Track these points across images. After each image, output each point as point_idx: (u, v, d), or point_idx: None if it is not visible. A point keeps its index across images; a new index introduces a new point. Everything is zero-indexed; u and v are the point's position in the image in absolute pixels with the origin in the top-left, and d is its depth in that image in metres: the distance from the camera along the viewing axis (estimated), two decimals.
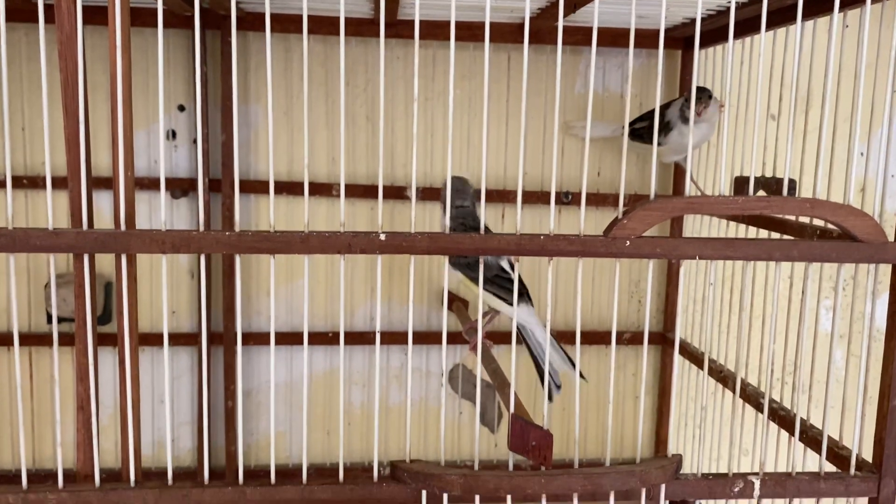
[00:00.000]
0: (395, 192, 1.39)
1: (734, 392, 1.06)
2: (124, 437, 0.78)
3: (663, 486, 0.80)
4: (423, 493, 0.78)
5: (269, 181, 0.74)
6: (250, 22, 1.31)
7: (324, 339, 1.41)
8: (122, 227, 0.74)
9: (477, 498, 0.78)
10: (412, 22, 1.32)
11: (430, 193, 1.39)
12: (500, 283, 1.03)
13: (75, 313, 0.76)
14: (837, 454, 0.90)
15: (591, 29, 1.35)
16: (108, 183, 1.30)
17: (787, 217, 1.07)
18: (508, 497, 0.78)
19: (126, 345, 0.76)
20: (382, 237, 0.76)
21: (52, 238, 0.73)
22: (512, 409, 0.82)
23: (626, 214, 0.76)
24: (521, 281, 1.06)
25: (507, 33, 1.35)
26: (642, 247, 0.77)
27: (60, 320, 1.32)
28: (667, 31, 1.38)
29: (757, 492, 0.83)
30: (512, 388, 0.84)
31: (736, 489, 0.83)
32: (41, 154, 1.34)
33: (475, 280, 1.01)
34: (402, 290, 1.43)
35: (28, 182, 1.33)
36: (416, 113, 0.73)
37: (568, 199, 1.42)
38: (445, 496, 0.78)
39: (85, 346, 0.76)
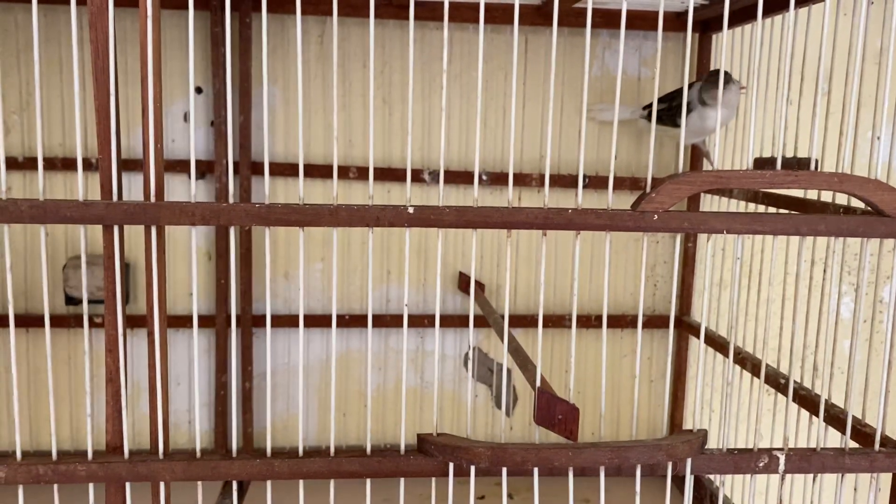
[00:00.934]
0: (413, 175, 1.39)
1: (759, 375, 1.06)
2: (153, 409, 0.78)
3: (689, 461, 0.81)
4: (451, 465, 0.79)
5: (299, 162, 0.74)
6: (268, 3, 1.30)
7: (339, 321, 1.41)
8: (152, 200, 0.75)
9: (504, 470, 0.78)
10: (428, 4, 1.32)
11: (451, 176, 1.39)
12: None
13: (104, 285, 0.76)
14: (860, 431, 0.91)
15: (606, 11, 1.34)
16: (129, 165, 1.30)
17: (809, 197, 1.07)
18: (535, 469, 0.78)
19: (156, 319, 0.76)
20: (411, 210, 0.76)
21: (83, 209, 0.73)
22: (538, 384, 0.82)
23: (655, 188, 0.76)
24: None
25: (523, 15, 1.35)
26: (670, 221, 0.77)
27: (77, 302, 1.33)
28: (683, 14, 1.38)
29: (782, 467, 0.83)
30: (539, 364, 0.84)
31: (761, 464, 0.83)
32: (56, 135, 1.34)
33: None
34: (415, 274, 1.43)
35: (25, 162, 1.33)
36: (444, 99, 0.73)
37: (585, 182, 1.42)
38: (473, 468, 0.78)
39: (114, 318, 0.76)
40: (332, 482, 0.79)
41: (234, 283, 0.75)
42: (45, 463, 0.77)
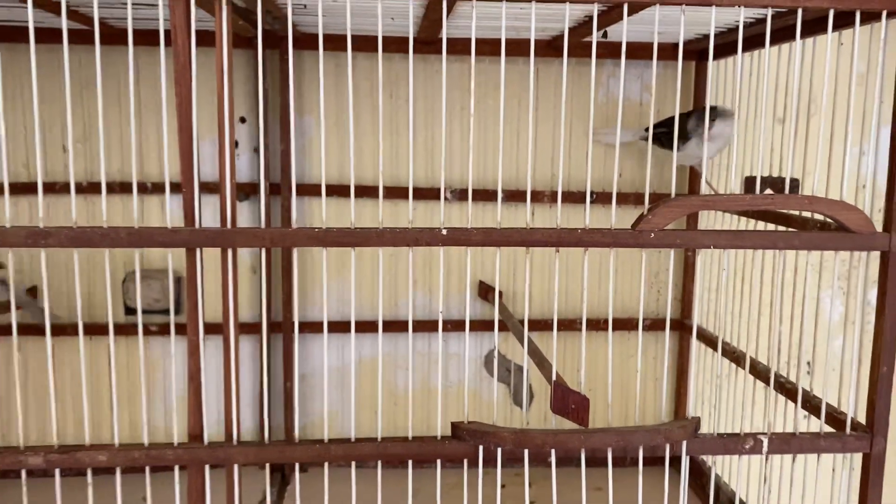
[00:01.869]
0: (435, 194, 1.53)
1: (745, 368, 1.20)
2: (227, 404, 0.92)
3: (685, 443, 0.94)
4: (480, 448, 0.92)
5: (350, 185, 0.88)
6: (304, 41, 1.45)
7: (371, 327, 1.55)
8: (228, 226, 0.89)
9: (526, 452, 0.92)
10: (449, 40, 1.46)
11: (464, 195, 1.53)
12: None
13: (187, 298, 0.90)
14: (836, 418, 1.04)
15: (610, 43, 1.48)
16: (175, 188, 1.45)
17: (792, 213, 1.20)
18: (553, 451, 0.92)
19: (231, 327, 0.91)
20: (444, 232, 0.90)
21: (172, 235, 0.87)
22: (554, 378, 0.96)
23: (651, 211, 0.90)
24: None
25: (535, 48, 1.49)
26: (665, 238, 0.91)
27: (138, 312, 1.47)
28: (687, 43, 1.51)
29: (765, 448, 0.96)
30: (554, 362, 0.98)
31: (747, 446, 0.96)
32: (115, 162, 1.49)
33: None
34: (437, 284, 1.57)
35: (88, 187, 1.48)
36: (472, 125, 0.87)
37: (593, 198, 1.56)
38: (499, 450, 0.92)
39: (196, 325, 0.90)
40: (378, 463, 0.93)
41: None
42: (140, 448, 0.91)
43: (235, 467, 0.92)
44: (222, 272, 0.90)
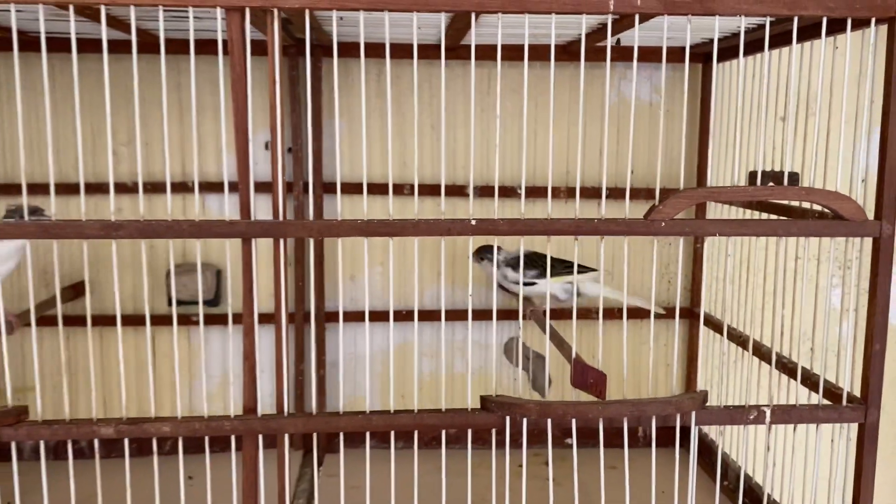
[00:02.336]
0: (457, 191, 1.63)
1: (748, 349, 1.28)
2: (279, 381, 1.02)
3: (694, 413, 1.03)
4: (507, 418, 1.02)
5: (389, 182, 0.98)
6: (340, 49, 1.55)
7: (398, 316, 1.64)
8: (280, 218, 0.99)
9: (549, 421, 1.01)
10: (466, 46, 1.55)
11: (487, 191, 1.62)
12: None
13: (243, 283, 1.00)
14: (833, 393, 1.12)
15: (622, 48, 1.57)
16: (213, 188, 1.55)
17: (793, 205, 1.29)
18: (573, 420, 1.01)
19: (283, 313, 1.00)
20: (473, 222, 1.00)
21: (229, 227, 0.97)
22: (574, 355, 1.05)
23: (662, 202, 0.99)
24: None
25: (556, 52, 1.59)
26: (675, 227, 1.00)
27: (180, 303, 1.58)
28: (695, 47, 1.60)
29: (768, 419, 1.05)
30: (574, 342, 1.07)
31: (751, 416, 1.05)
32: (157, 163, 1.59)
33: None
34: (462, 275, 1.67)
35: (133, 186, 1.58)
36: (498, 126, 0.97)
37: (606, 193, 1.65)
38: (525, 420, 1.01)
39: (251, 308, 1.00)
40: (416, 433, 1.03)
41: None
42: (200, 420, 1.01)
43: (286, 437, 1.02)
44: (274, 259, 1.00)
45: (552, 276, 1.43)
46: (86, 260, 1.01)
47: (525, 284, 1.43)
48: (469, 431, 1.05)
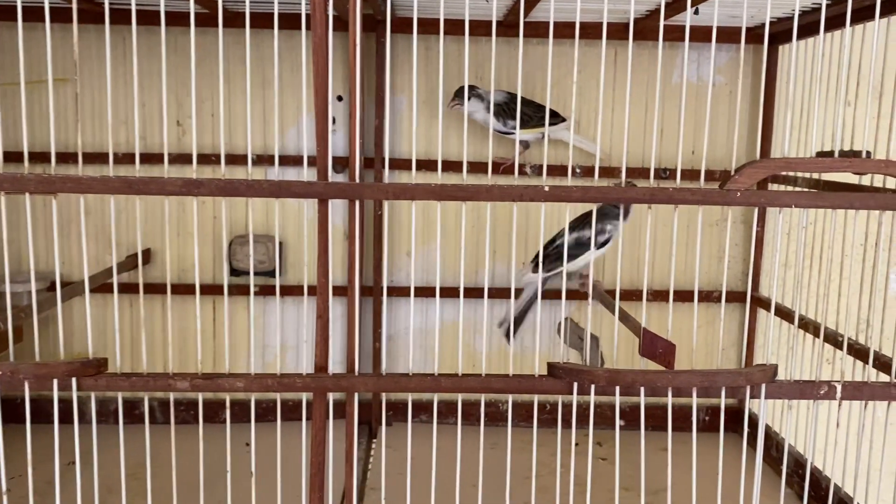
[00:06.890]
0: (509, 168, 1.63)
1: (819, 335, 1.26)
2: (350, 342, 1.04)
3: (764, 386, 1.02)
4: (575, 384, 1.02)
5: (463, 159, 0.99)
6: (396, 25, 1.56)
7: (454, 292, 1.65)
8: (357, 181, 1.00)
9: (617, 389, 1.01)
10: (531, 24, 1.56)
11: (541, 170, 1.62)
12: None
13: (318, 244, 1.02)
14: None
15: (683, 28, 1.56)
16: (284, 161, 1.58)
17: (863, 184, 1.27)
18: (642, 389, 1.01)
19: (356, 269, 1.02)
20: (546, 188, 1.00)
21: (308, 187, 0.99)
22: (644, 324, 1.05)
23: (738, 171, 0.99)
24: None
25: (612, 31, 1.58)
26: (750, 197, 0.99)
27: (240, 273, 1.61)
28: (754, 28, 1.59)
29: (839, 394, 1.04)
30: (643, 312, 1.07)
31: (822, 392, 1.04)
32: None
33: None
34: (516, 252, 1.67)
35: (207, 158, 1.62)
36: (573, 106, 0.97)
37: (665, 174, 1.64)
38: (593, 387, 1.01)
39: (325, 269, 1.02)
40: (482, 397, 1.04)
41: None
42: (273, 377, 1.03)
43: (356, 395, 1.04)
44: (349, 220, 1.01)
45: (526, 127, 1.48)
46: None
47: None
48: (535, 401, 1.05)
